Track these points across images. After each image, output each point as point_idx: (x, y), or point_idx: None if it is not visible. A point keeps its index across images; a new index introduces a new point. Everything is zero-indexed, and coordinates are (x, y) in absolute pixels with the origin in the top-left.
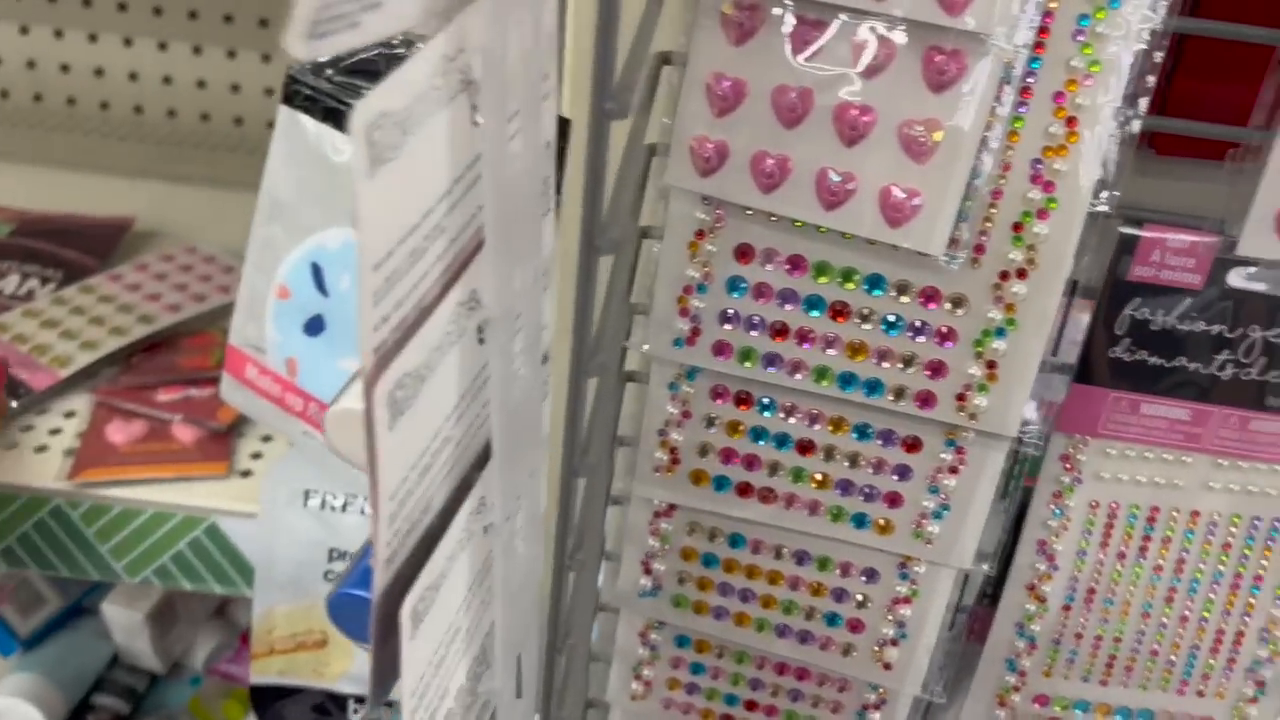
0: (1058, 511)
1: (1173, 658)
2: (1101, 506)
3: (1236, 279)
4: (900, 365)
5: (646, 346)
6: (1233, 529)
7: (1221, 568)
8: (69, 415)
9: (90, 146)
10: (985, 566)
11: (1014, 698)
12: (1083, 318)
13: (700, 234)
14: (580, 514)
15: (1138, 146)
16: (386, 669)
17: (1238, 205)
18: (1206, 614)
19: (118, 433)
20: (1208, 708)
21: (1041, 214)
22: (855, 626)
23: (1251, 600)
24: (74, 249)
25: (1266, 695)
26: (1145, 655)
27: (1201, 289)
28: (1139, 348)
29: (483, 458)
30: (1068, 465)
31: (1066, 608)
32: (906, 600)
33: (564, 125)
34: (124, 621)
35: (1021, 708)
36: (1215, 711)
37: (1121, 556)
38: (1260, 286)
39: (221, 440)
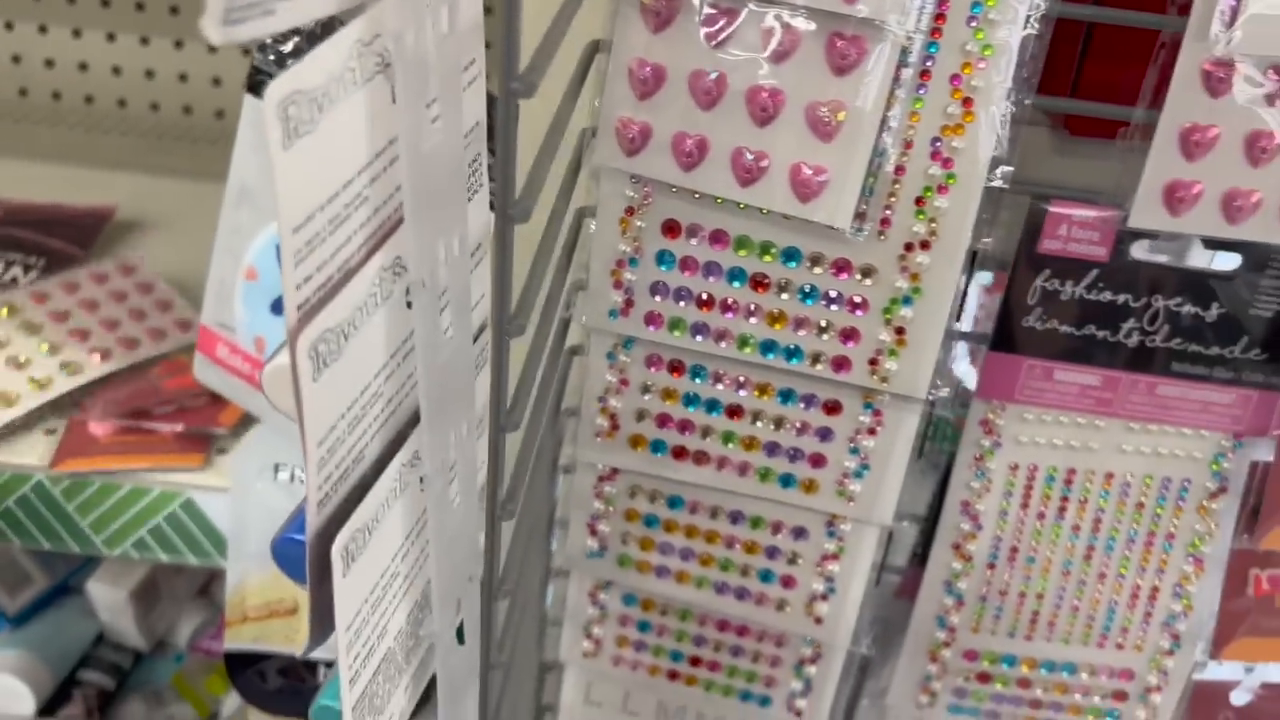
0: (980, 474)
1: (1092, 613)
2: (1021, 469)
3: (1139, 251)
4: (816, 333)
5: (585, 318)
6: (1145, 490)
7: (1136, 527)
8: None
9: (74, 140)
10: (905, 523)
11: (944, 653)
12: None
13: (630, 211)
14: (515, 469)
15: (1053, 128)
16: (325, 609)
17: (1129, 181)
18: (1123, 571)
19: (99, 428)
20: (1127, 660)
21: (941, 189)
22: (788, 582)
23: (1165, 557)
24: (57, 238)
25: (1181, 648)
26: (1067, 611)
27: (1107, 261)
28: (1050, 317)
29: (416, 417)
30: (987, 430)
31: (991, 566)
32: (834, 557)
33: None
34: (108, 600)
35: (952, 663)
36: (1134, 664)
37: (1041, 516)
38: (1162, 258)
39: (202, 435)
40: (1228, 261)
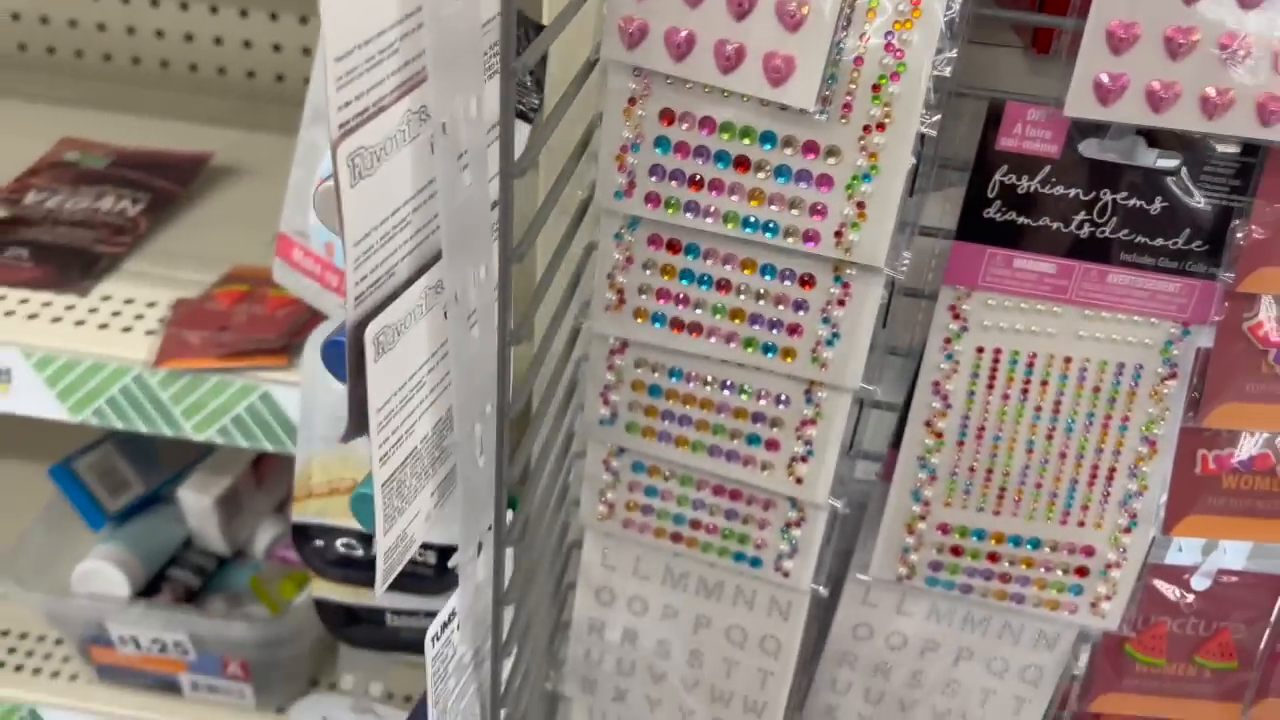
0: (948, 356)
1: (1055, 490)
2: (986, 352)
3: (1088, 149)
4: (790, 209)
5: (595, 199)
6: (1101, 374)
7: (1093, 409)
8: (151, 305)
9: (179, 100)
10: (871, 386)
11: (920, 525)
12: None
13: (632, 101)
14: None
15: (1025, 48)
16: (361, 398)
17: (1066, 79)
18: (1082, 451)
19: (194, 335)
20: (1089, 537)
21: (894, 76)
22: (771, 446)
23: (1120, 439)
24: (160, 178)
25: (1139, 526)
26: (1031, 488)
27: (1059, 158)
28: (1009, 209)
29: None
30: (955, 314)
31: (960, 443)
32: (812, 422)
33: None
34: (195, 505)
35: (927, 535)
36: (1095, 540)
37: (1006, 398)
38: (1110, 156)
39: (283, 341)
40: (1169, 160)
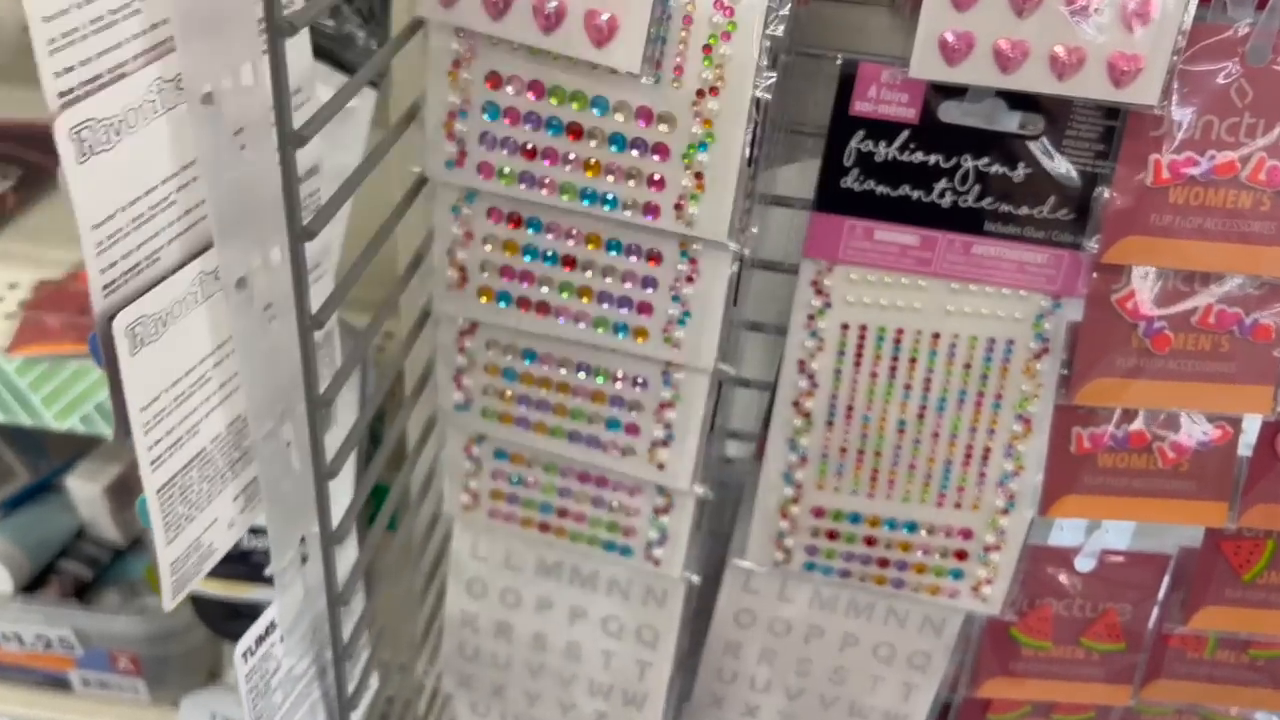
0: (812, 334)
1: (929, 472)
2: (851, 329)
3: (948, 113)
4: (627, 180)
5: (425, 169)
6: (972, 350)
7: (965, 387)
8: (12, 286)
9: None
10: (726, 366)
11: (794, 509)
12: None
13: (457, 64)
14: (330, 297)
15: (891, 8)
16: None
17: (911, 40)
18: (955, 430)
19: (53, 318)
20: (965, 519)
21: (725, 36)
22: (631, 430)
23: (994, 417)
24: (34, 151)
25: (1016, 507)
26: (904, 469)
27: (917, 122)
28: (867, 178)
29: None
30: (817, 290)
31: (830, 424)
32: (671, 405)
33: None
34: (84, 494)
35: (801, 519)
36: (972, 523)
37: (874, 376)
38: (970, 120)
39: None
40: (1031, 124)
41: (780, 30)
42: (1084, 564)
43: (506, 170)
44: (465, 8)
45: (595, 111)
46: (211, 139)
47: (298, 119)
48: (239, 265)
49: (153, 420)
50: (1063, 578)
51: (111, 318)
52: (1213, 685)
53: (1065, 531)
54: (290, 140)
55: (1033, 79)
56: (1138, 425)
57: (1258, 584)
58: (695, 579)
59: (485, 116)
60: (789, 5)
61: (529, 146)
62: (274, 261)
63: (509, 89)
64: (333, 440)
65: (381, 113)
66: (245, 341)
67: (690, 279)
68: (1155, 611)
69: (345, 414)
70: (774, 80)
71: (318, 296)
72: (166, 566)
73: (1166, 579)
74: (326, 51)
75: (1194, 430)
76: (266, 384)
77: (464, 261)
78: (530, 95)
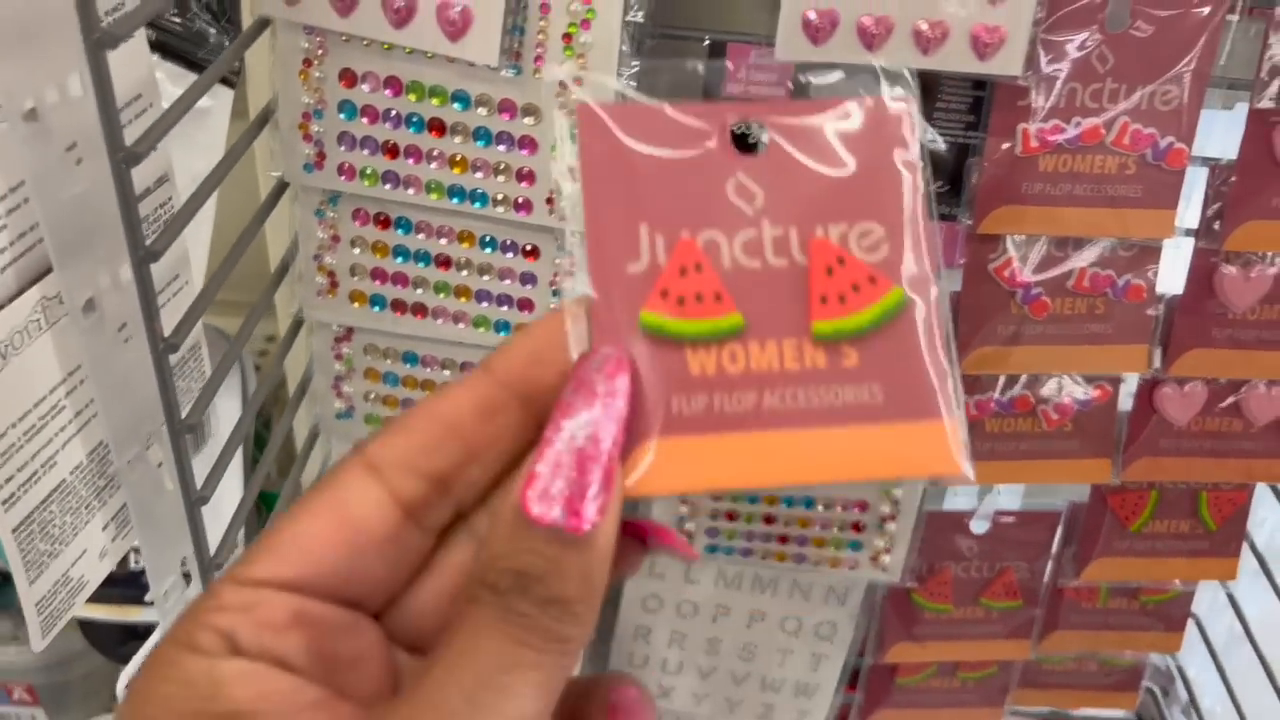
0: None
1: None
2: None
3: (819, 91)
4: (496, 176)
5: (283, 174)
6: None
7: None
8: None
9: None
10: None
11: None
12: None
13: (308, 62)
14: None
15: None
16: None
17: (776, 17)
18: None
19: None
20: (860, 492)
21: (585, 23)
22: None
23: None
24: None
25: None
26: None
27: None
28: None
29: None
30: None
31: None
32: None
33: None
34: None
35: (700, 502)
36: (866, 495)
37: None
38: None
39: None
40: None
41: (640, 16)
42: (979, 526)
43: (369, 171)
44: (311, 4)
45: (457, 106)
46: (40, 157)
47: (140, 126)
48: (85, 287)
49: (1, 458)
50: (959, 541)
51: None
52: (1108, 632)
53: (960, 497)
54: (125, 160)
55: (898, 54)
56: (1021, 390)
57: (1144, 533)
58: None
59: (342, 116)
60: None
61: (390, 145)
62: (124, 280)
63: (365, 86)
64: (212, 451)
65: (244, 112)
66: (99, 366)
67: (571, 273)
68: (1049, 567)
69: (225, 423)
70: (639, 67)
71: (178, 309)
72: (31, 607)
73: (1058, 535)
74: (177, 51)
75: (1075, 391)
76: (127, 408)
77: (332, 266)
78: (388, 92)
